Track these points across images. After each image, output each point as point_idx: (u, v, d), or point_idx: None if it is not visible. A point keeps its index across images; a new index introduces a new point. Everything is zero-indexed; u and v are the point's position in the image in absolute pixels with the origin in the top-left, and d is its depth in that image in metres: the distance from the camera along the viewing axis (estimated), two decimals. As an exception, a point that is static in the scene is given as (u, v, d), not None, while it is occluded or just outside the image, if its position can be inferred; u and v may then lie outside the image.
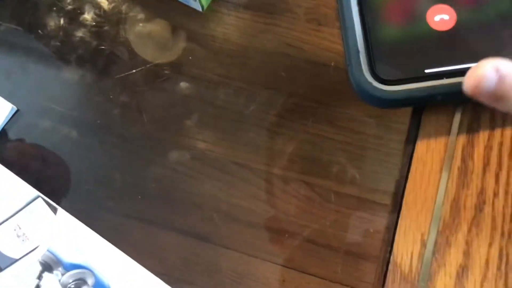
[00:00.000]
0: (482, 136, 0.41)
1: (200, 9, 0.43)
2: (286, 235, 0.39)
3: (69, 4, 0.46)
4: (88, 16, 0.45)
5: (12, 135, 0.43)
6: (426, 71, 0.39)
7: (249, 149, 0.41)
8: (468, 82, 0.28)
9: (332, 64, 0.42)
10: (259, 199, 0.40)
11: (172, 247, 0.40)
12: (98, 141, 0.42)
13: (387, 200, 0.39)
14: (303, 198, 0.40)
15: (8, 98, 0.43)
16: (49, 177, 0.41)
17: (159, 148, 0.42)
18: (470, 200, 0.39)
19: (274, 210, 0.40)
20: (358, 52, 0.40)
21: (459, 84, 0.40)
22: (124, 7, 0.45)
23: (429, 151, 0.41)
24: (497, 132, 0.40)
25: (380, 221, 0.39)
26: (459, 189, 0.39)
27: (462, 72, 0.39)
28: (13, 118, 0.43)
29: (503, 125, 0.40)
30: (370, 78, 0.39)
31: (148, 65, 0.43)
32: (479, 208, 0.38)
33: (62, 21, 0.45)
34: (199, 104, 0.42)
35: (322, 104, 0.42)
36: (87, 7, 0.45)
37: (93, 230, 0.40)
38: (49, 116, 0.43)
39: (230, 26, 0.44)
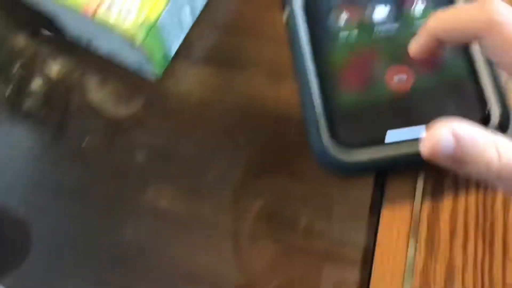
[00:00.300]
0: (447, 203, 0.39)
1: (154, 77, 0.41)
2: None
3: (15, 73, 0.44)
4: (35, 84, 0.43)
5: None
6: (387, 139, 0.39)
7: (213, 207, 0.39)
8: (424, 147, 0.27)
9: (293, 118, 0.42)
10: (224, 258, 0.38)
11: None
12: (50, 211, 0.40)
13: (358, 256, 0.38)
14: (272, 254, 0.38)
15: None
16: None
17: (116, 209, 0.40)
18: (439, 273, 0.37)
19: (242, 268, 0.38)
20: (317, 121, 0.39)
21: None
22: (76, 74, 0.43)
23: (395, 219, 0.39)
24: (461, 198, 0.39)
25: (351, 276, 0.38)
26: (427, 260, 0.38)
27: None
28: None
29: (467, 190, 0.39)
30: (330, 147, 0.38)
31: (101, 132, 0.41)
32: (449, 281, 0.37)
33: (9, 90, 0.43)
34: (159, 162, 0.41)
35: (285, 158, 0.41)
36: (35, 76, 0.44)
37: None
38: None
39: (188, 84, 0.43)
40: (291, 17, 0.42)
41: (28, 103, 0.43)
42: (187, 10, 0.41)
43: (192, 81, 0.43)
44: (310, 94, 0.39)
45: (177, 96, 0.43)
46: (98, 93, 0.43)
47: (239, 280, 0.38)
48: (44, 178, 0.42)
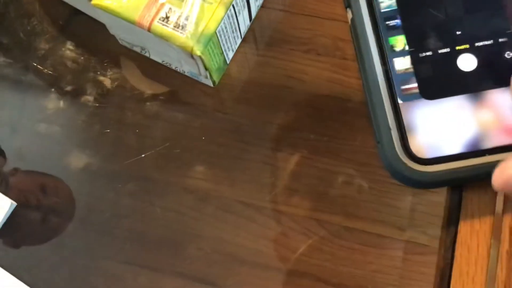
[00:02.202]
0: (531, 215, 0.37)
1: (212, 85, 0.39)
2: (297, 275, 0.37)
3: (68, 84, 0.42)
4: (90, 97, 0.42)
5: (10, 231, 0.39)
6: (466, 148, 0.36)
7: (254, 187, 0.39)
8: (496, 179, 0.29)
9: (335, 95, 0.41)
10: (266, 238, 0.38)
11: None
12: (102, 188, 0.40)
13: (432, 272, 0.36)
14: (313, 235, 0.38)
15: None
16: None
17: (160, 190, 0.39)
18: (523, 288, 0.35)
19: (283, 249, 0.37)
20: (389, 129, 0.36)
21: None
22: (128, 85, 0.41)
23: (473, 234, 0.37)
24: (546, 207, 0.37)
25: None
26: (510, 276, 0.35)
27: (504, 148, 0.36)
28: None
29: (552, 198, 0.37)
30: (404, 158, 0.36)
31: (158, 148, 0.40)
32: (534, 297, 0.35)
33: (61, 103, 0.42)
34: (202, 144, 0.40)
35: (326, 136, 0.40)
36: (88, 87, 0.42)
37: (101, 280, 0.38)
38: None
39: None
40: (357, 18, 0.39)
41: (82, 117, 0.42)
42: (245, 14, 0.39)
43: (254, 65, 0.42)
44: (380, 98, 0.37)
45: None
46: (153, 105, 0.42)
47: (280, 257, 0.37)
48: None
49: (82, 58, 0.43)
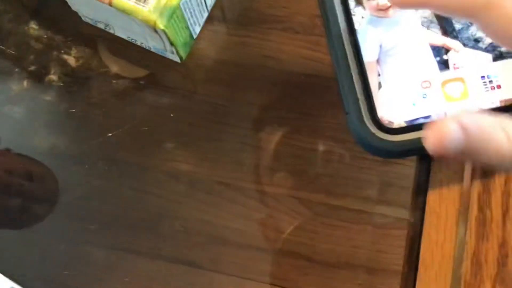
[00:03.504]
0: (498, 181, 0.37)
1: (179, 61, 0.39)
2: (279, 254, 0.37)
3: (31, 64, 0.41)
4: (54, 76, 0.41)
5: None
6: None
7: (233, 168, 0.39)
8: (430, 142, 0.24)
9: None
10: (248, 219, 0.38)
11: (162, 276, 0.37)
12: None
13: (402, 244, 0.37)
14: (294, 214, 0.38)
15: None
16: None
17: (140, 173, 0.39)
18: (491, 254, 0.35)
19: (265, 228, 0.38)
20: (357, 99, 0.36)
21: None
22: (93, 64, 0.41)
23: (442, 202, 0.37)
24: (514, 174, 0.37)
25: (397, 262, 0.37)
26: (478, 242, 0.36)
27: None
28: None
29: (519, 165, 0.37)
30: (372, 128, 0.36)
31: (126, 127, 0.39)
32: (501, 262, 0.35)
33: (25, 83, 0.41)
34: (179, 125, 0.40)
35: (305, 114, 0.40)
36: (52, 66, 0.41)
37: (78, 265, 0.37)
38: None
39: (203, 41, 0.41)
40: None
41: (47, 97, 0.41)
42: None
43: (205, 38, 0.41)
44: (348, 69, 0.37)
45: (193, 56, 0.41)
46: (119, 83, 0.41)
47: (262, 236, 0.37)
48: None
49: (45, 37, 0.42)
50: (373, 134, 0.36)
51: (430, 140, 0.24)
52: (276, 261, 0.37)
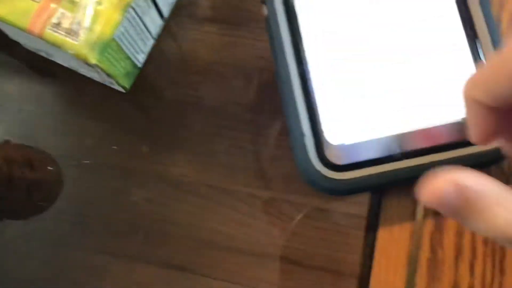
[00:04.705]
0: (452, 221, 0.36)
1: (124, 91, 0.37)
2: (270, 259, 0.36)
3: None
4: None
5: None
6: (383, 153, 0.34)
7: (223, 171, 0.37)
8: (423, 194, 0.23)
9: None
10: (237, 222, 0.37)
11: (151, 281, 0.36)
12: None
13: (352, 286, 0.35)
14: (285, 218, 0.37)
15: None
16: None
17: (127, 177, 0.38)
18: (443, 297, 0.34)
19: (255, 233, 0.36)
20: (303, 135, 0.34)
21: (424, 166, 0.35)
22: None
23: (392, 241, 0.35)
24: (468, 212, 0.35)
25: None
26: (429, 284, 0.34)
27: (428, 150, 0.34)
28: None
29: (475, 202, 0.35)
30: (318, 165, 0.34)
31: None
32: (454, 307, 0.34)
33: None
34: (168, 128, 0.39)
35: None
36: None
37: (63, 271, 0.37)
38: None
39: (195, 42, 0.40)
40: (271, 14, 0.37)
41: None
42: (153, 14, 0.36)
43: (197, 39, 0.40)
44: (293, 102, 0.35)
45: (184, 55, 0.40)
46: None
47: (252, 241, 0.36)
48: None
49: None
50: (319, 171, 0.34)
51: (424, 192, 0.23)
52: (267, 265, 0.36)
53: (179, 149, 0.38)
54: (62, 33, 0.32)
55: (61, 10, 0.32)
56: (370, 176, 0.34)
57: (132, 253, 0.37)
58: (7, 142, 0.39)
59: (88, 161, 0.39)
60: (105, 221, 0.38)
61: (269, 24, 0.37)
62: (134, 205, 0.38)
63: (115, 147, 0.39)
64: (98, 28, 0.32)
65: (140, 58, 0.38)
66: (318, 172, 0.34)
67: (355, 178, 0.34)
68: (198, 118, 0.39)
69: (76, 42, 0.32)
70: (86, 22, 0.32)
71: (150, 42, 0.38)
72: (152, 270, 0.37)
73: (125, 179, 0.38)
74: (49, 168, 0.39)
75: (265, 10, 0.37)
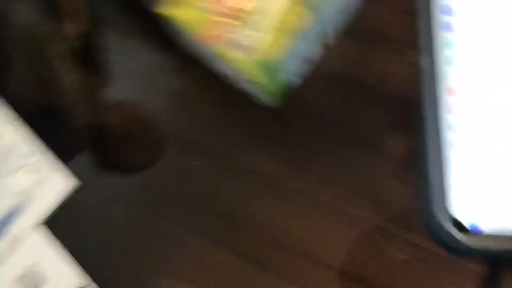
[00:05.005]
0: None
1: (270, 105, 0.39)
2: (348, 278, 0.37)
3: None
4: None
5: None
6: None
7: (320, 180, 0.38)
8: None
9: None
10: (326, 234, 0.37)
11: (226, 267, 0.38)
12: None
13: None
14: (373, 241, 0.37)
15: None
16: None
17: (228, 167, 0.40)
18: None
19: (341, 249, 0.37)
20: (441, 192, 0.34)
21: None
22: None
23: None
24: None
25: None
26: None
27: None
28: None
29: None
30: (447, 224, 0.34)
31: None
32: None
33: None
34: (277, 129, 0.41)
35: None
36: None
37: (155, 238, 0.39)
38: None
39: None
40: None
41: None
42: (314, 46, 0.38)
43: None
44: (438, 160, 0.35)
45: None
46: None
47: (336, 257, 0.37)
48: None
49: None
50: (447, 230, 0.34)
51: None
52: (344, 284, 0.37)
53: (277, 150, 0.40)
54: (233, 47, 0.35)
55: (236, 27, 0.35)
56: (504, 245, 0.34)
57: (216, 238, 0.39)
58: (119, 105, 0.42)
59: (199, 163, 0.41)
60: (195, 202, 0.40)
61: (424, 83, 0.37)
62: (228, 193, 0.39)
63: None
64: (267, 49, 0.35)
65: (295, 80, 0.40)
66: (446, 231, 0.34)
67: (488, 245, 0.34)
68: (300, 122, 0.40)
69: (244, 58, 0.35)
70: (257, 41, 0.35)
71: (306, 68, 0.40)
72: (229, 257, 0.38)
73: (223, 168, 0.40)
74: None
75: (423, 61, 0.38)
